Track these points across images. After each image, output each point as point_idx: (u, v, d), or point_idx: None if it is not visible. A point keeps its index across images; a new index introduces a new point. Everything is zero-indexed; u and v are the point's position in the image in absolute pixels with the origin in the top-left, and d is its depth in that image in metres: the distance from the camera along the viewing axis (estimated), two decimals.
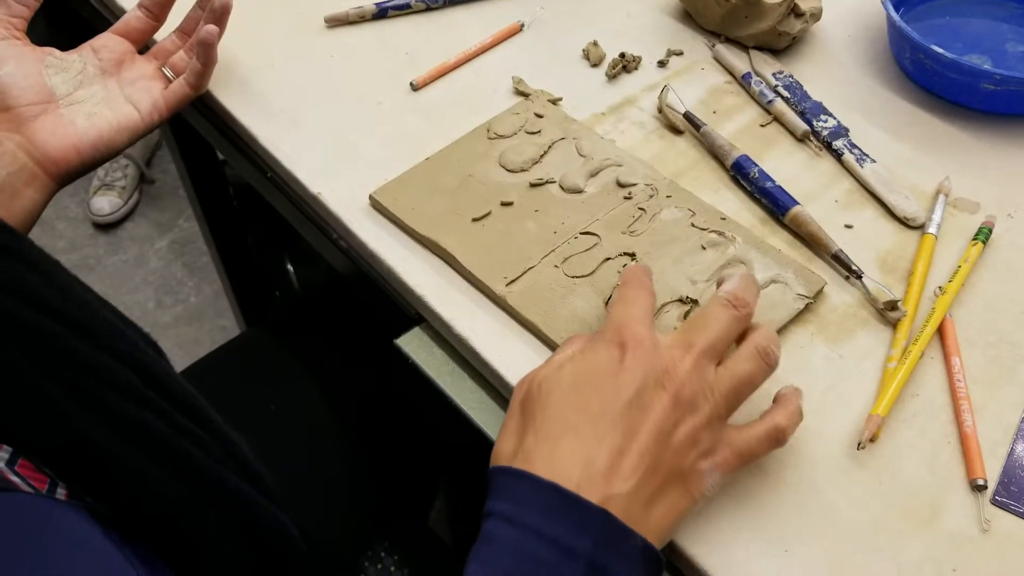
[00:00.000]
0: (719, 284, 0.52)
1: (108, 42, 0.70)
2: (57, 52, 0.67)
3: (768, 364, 0.48)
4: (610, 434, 0.44)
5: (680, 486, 0.45)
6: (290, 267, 1.38)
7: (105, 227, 2.06)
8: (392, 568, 0.85)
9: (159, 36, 0.74)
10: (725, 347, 0.48)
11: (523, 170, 0.67)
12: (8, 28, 0.65)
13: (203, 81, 0.70)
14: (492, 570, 0.41)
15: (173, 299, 1.92)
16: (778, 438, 0.47)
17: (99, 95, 0.67)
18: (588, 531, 0.41)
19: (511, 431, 0.47)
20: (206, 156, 1.20)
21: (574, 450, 0.43)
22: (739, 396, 0.47)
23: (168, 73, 0.72)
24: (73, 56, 0.68)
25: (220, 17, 0.69)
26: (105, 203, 2.03)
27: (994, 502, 0.50)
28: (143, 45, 0.73)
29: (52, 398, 0.41)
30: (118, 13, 0.86)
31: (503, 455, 0.46)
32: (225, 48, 0.74)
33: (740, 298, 0.49)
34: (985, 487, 0.50)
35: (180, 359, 1.77)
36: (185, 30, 0.73)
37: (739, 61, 0.77)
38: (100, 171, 2.04)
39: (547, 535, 0.41)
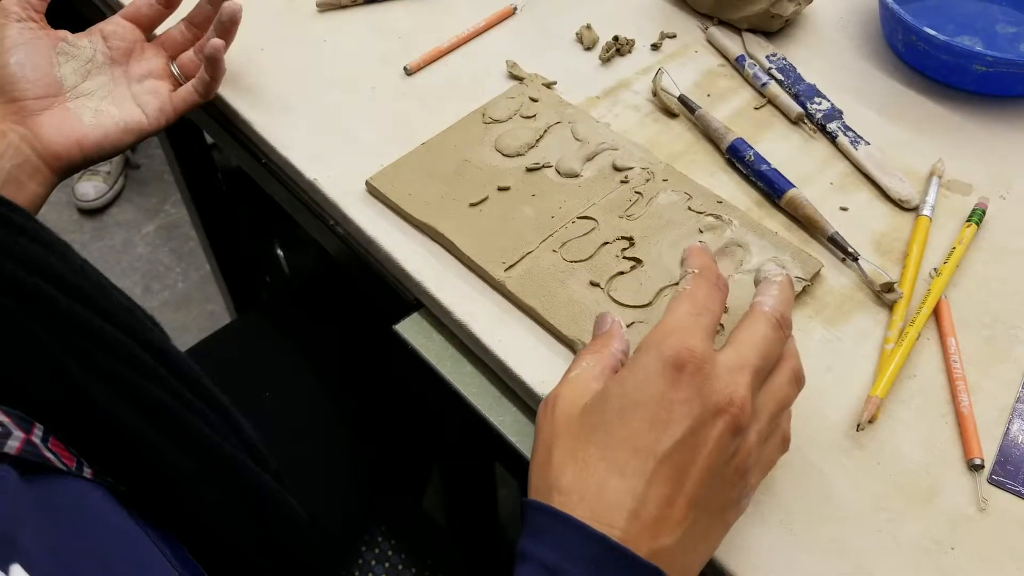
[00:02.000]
0: (756, 282, 0.49)
1: (118, 28, 0.68)
2: (70, 37, 0.66)
3: (800, 387, 0.46)
4: (660, 477, 0.40)
5: (722, 517, 0.43)
6: (280, 252, 1.37)
7: (90, 213, 2.04)
8: (389, 552, 0.85)
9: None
10: (771, 370, 0.45)
11: (519, 155, 0.66)
12: (26, 9, 0.63)
13: (212, 90, 0.69)
14: None
15: (160, 285, 1.91)
16: (786, 446, 0.47)
17: (107, 87, 0.66)
18: None
19: (548, 458, 0.42)
20: (194, 141, 1.19)
21: (620, 492, 0.39)
22: (779, 421, 0.45)
23: (175, 71, 0.70)
24: (83, 42, 0.66)
25: (228, 29, 0.67)
26: (90, 188, 2.01)
27: (991, 481, 0.50)
28: (151, 32, 0.72)
29: (74, 375, 0.42)
30: (113, 6, 0.85)
31: (539, 487, 0.42)
32: None
33: (787, 320, 0.46)
34: (982, 466, 0.51)
35: None
36: (194, 21, 0.71)
37: (732, 44, 0.77)
38: None
39: None
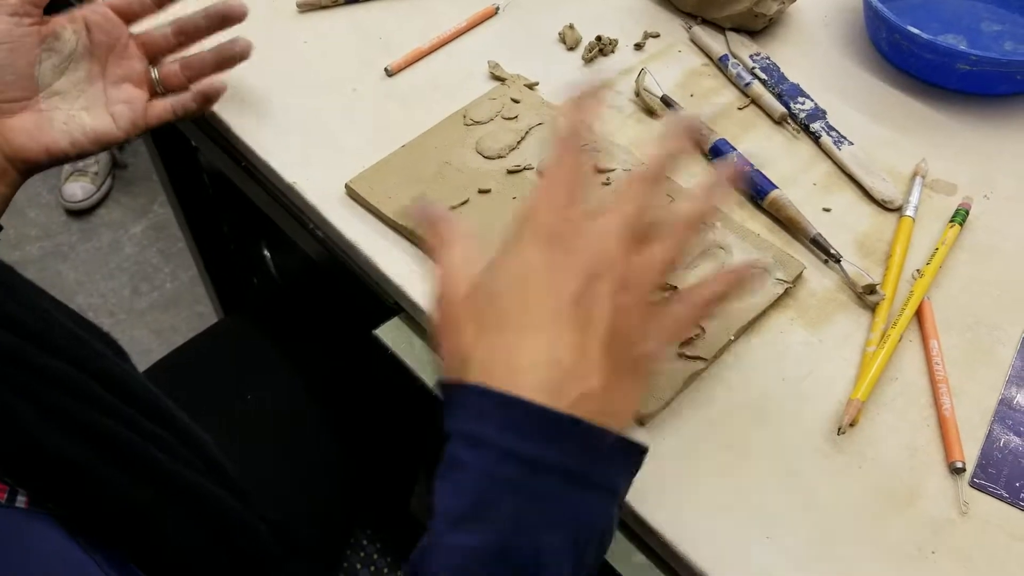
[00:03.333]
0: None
1: (103, 20, 0.64)
2: (58, 28, 0.63)
3: (685, 241, 0.44)
4: (566, 328, 0.40)
5: (635, 372, 0.42)
6: (267, 253, 1.36)
7: (78, 213, 2.03)
8: (375, 556, 0.85)
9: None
10: (647, 219, 0.44)
11: (500, 157, 0.66)
12: (24, 4, 0.60)
13: (192, 115, 0.67)
14: (462, 497, 0.38)
15: (149, 286, 1.90)
16: (709, 300, 0.44)
17: (81, 85, 0.64)
18: (559, 441, 0.38)
19: (457, 344, 0.42)
20: (179, 143, 1.19)
21: (536, 351, 0.40)
22: (665, 273, 0.43)
23: (155, 77, 0.67)
24: (68, 33, 0.63)
25: (231, 62, 0.66)
26: (77, 189, 2.00)
27: (972, 484, 0.50)
28: (132, 25, 0.68)
29: (10, 408, 0.41)
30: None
31: (452, 366, 0.42)
32: None
33: (660, 171, 0.44)
34: (963, 470, 0.50)
35: (157, 346, 1.76)
36: (184, 30, 0.67)
37: (716, 43, 0.77)
38: None
39: (516, 454, 0.38)
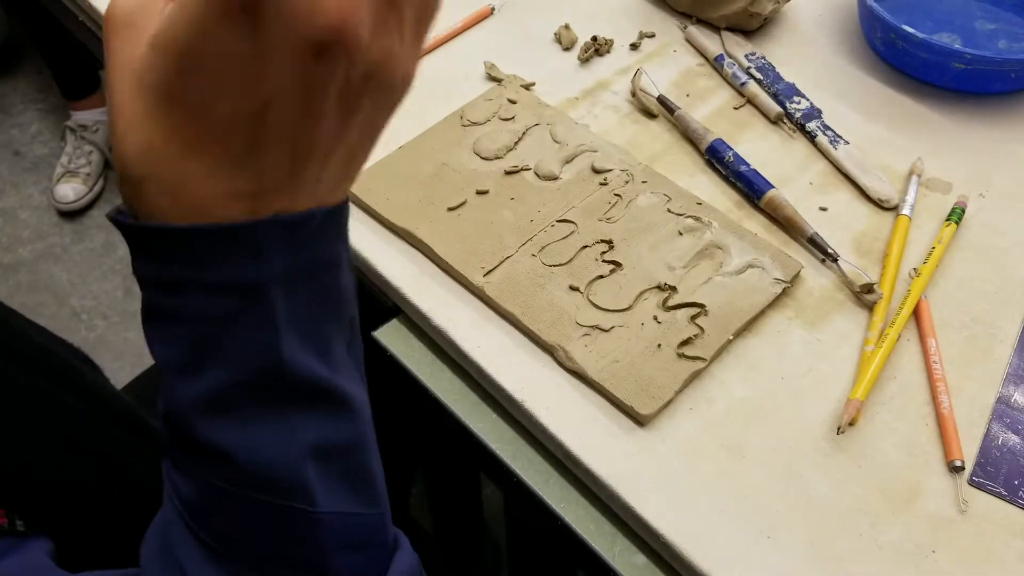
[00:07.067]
0: None
1: None
2: None
3: None
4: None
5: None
6: None
7: (70, 215, 2.02)
8: None
9: None
10: None
11: (498, 157, 0.66)
12: None
13: None
14: (172, 347, 0.32)
15: None
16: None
17: None
18: (261, 254, 0.31)
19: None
20: None
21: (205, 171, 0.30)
22: None
23: None
24: None
25: None
26: (69, 190, 1.99)
27: (971, 483, 0.50)
28: None
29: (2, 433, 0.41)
30: (86, 9, 0.84)
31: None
32: None
33: None
34: (962, 468, 0.50)
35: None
36: None
37: (711, 43, 0.77)
38: (64, 158, 2.01)
39: (211, 284, 0.31)
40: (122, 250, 1.95)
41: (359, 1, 0.27)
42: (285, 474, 0.33)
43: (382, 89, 0.30)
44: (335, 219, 0.34)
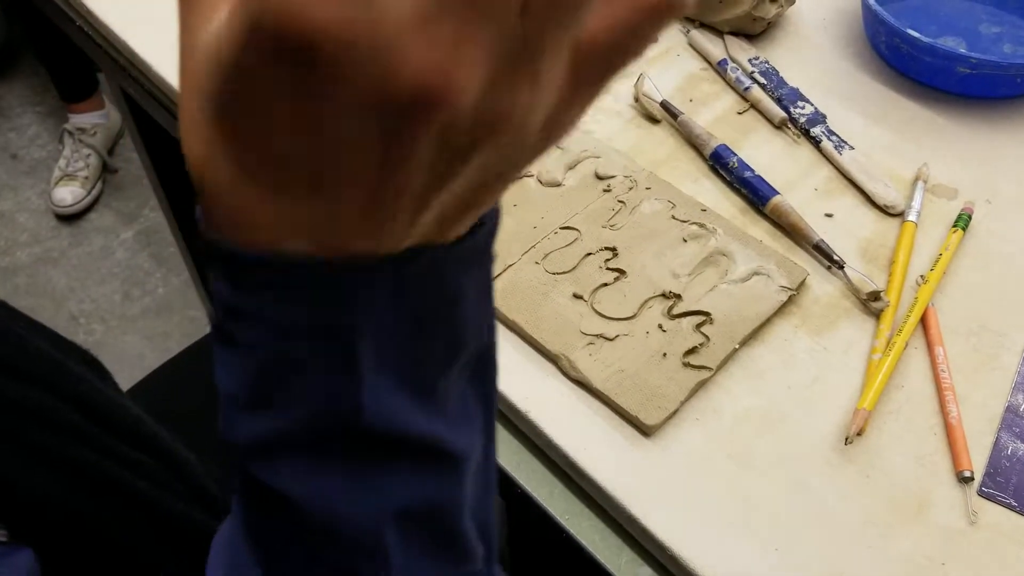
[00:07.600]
0: None
1: None
2: None
3: None
4: None
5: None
6: None
7: (68, 219, 2.01)
8: None
9: None
10: None
11: None
12: None
13: None
14: (232, 376, 0.29)
15: (141, 291, 1.88)
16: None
17: None
18: (334, 297, 0.27)
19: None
20: (169, 146, 1.18)
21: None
22: None
23: None
24: None
25: None
26: (67, 194, 1.99)
27: (981, 493, 0.50)
28: None
29: None
30: (84, 14, 0.84)
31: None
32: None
33: None
34: (972, 479, 0.50)
35: (149, 352, 1.75)
36: None
37: (714, 47, 0.76)
38: (62, 161, 2.00)
39: (271, 321, 0.27)
40: (120, 254, 1.95)
41: (463, 54, 0.20)
42: (354, 533, 0.29)
43: (502, 145, 0.24)
44: (455, 254, 0.28)
